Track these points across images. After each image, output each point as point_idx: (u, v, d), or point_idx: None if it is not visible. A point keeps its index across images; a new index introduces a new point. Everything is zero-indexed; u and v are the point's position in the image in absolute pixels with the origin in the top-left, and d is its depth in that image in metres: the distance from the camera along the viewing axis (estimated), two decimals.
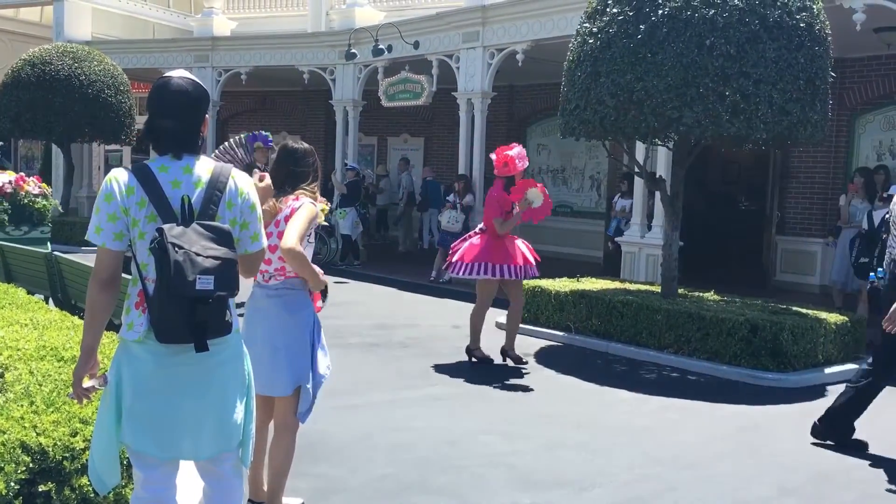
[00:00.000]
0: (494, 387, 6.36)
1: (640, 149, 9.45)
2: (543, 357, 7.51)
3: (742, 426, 5.56)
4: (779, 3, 6.82)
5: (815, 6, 7.08)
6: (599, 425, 5.43)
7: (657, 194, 9.01)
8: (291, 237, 3.42)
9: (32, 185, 10.44)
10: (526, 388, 6.37)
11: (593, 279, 9.27)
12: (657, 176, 8.74)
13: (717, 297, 8.16)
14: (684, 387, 6.61)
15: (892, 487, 4.50)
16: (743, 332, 6.90)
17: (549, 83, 14.10)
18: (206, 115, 2.84)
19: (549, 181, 16.17)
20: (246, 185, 2.79)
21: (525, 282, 8.89)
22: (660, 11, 6.89)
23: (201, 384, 2.67)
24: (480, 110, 12.54)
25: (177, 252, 2.49)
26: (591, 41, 7.36)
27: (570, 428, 5.34)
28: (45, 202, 10.49)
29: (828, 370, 6.96)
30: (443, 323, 8.91)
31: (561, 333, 8.19)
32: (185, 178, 2.66)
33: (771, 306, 7.69)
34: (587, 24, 7.55)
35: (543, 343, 8.07)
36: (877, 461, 4.92)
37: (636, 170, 8.57)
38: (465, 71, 12.65)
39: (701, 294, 8.29)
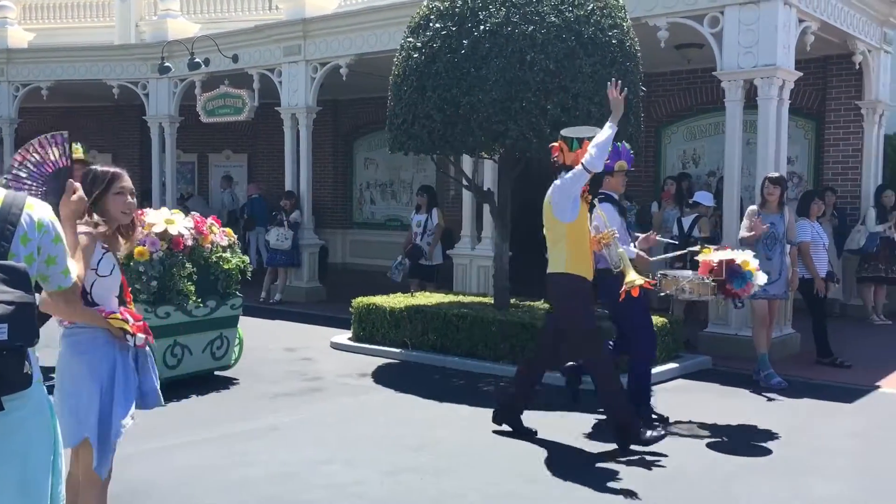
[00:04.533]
0: (333, 412, 6.15)
1: (467, 162, 9.56)
2: (381, 376, 7.37)
3: (583, 432, 5.66)
4: (592, 21, 7.08)
5: (624, 24, 7.42)
6: (442, 445, 5.35)
7: (486, 206, 9.15)
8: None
9: (218, 234, 7.02)
10: (365, 411, 6.21)
11: (427, 293, 9.25)
12: (485, 189, 8.86)
13: (547, 306, 8.36)
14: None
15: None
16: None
17: (375, 97, 14.04)
18: None
19: (378, 195, 16.13)
20: (45, 215, 2.47)
21: (359, 299, 8.76)
22: (482, 27, 6.98)
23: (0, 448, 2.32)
24: (305, 125, 12.27)
25: None
26: (415, 56, 7.34)
27: (413, 450, 5.23)
28: (238, 259, 7.16)
29: (652, 371, 7.25)
30: (275, 346, 8.57)
31: (398, 350, 8.10)
32: None
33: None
34: (411, 39, 7.53)
35: (380, 361, 7.93)
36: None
37: (465, 183, 8.65)
38: (288, 85, 12.34)
39: (532, 303, 8.47)
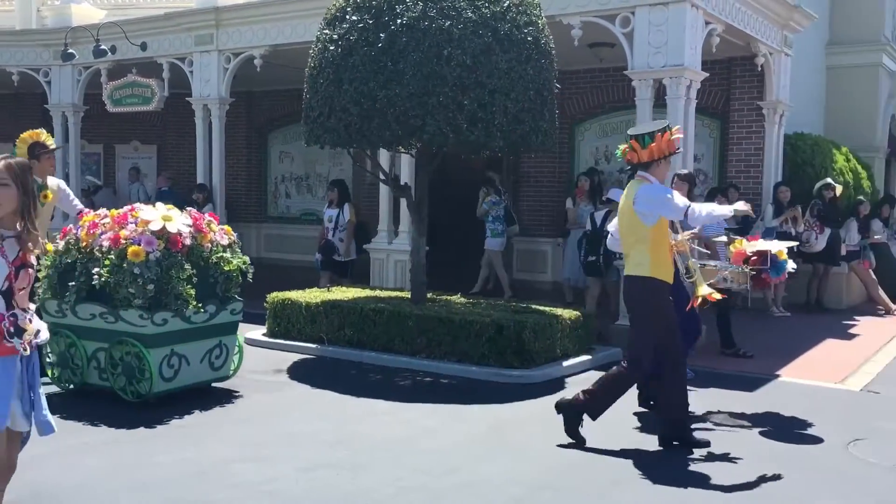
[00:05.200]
0: (247, 408, 6.04)
1: (384, 156, 9.52)
2: (297, 372, 7.28)
3: (495, 425, 5.73)
4: (508, 17, 7.15)
5: (539, 21, 7.52)
6: (358, 440, 5.32)
7: (402, 200, 9.14)
8: None
9: (218, 232, 6.41)
10: (280, 407, 6.12)
11: (344, 288, 9.18)
12: (403, 183, 8.85)
13: (463, 300, 8.42)
14: (438, 391, 6.72)
15: (639, 473, 4.85)
16: (490, 332, 7.16)
17: (291, 89, 13.83)
18: None
19: (293, 189, 15.91)
20: None
21: (274, 294, 8.63)
22: (398, 21, 6.95)
23: None
24: (218, 116, 11.99)
25: None
26: (332, 48, 7.26)
27: (329, 446, 5.18)
28: (239, 259, 6.48)
29: (566, 363, 7.41)
30: None
31: (314, 346, 8.01)
32: None
33: (513, 306, 8.06)
34: (327, 31, 7.45)
35: (296, 357, 7.83)
36: (617, 451, 5.29)
37: (382, 177, 8.62)
38: (200, 75, 12.02)
39: (449, 297, 8.51)
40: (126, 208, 6.21)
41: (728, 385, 7.00)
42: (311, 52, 7.72)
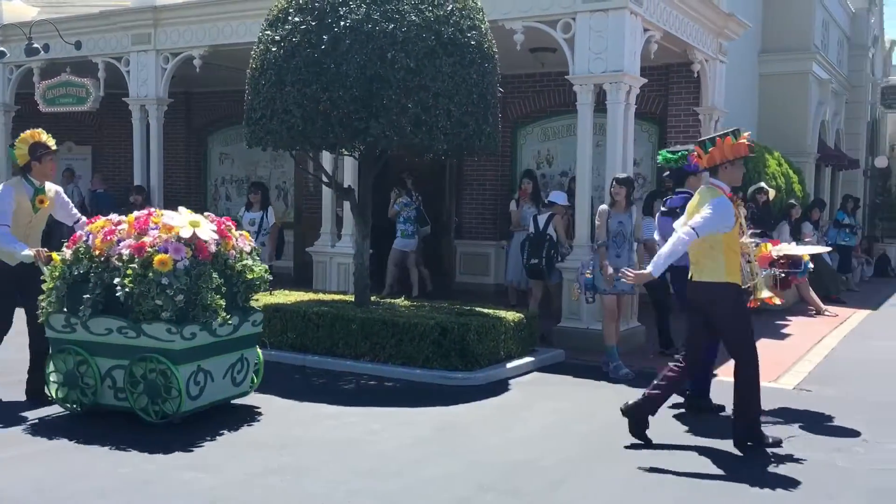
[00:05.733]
0: (182, 416, 5.93)
1: (327, 158, 9.47)
2: None
3: (439, 427, 5.75)
4: (452, 21, 7.19)
5: (482, 25, 7.58)
6: (303, 445, 5.28)
7: (346, 203, 9.10)
8: None
9: (239, 237, 6.00)
10: (224, 413, 6.03)
11: (286, 291, 9.09)
12: (346, 186, 8.81)
13: (407, 303, 8.42)
14: (383, 394, 6.70)
15: (584, 472, 4.91)
16: (434, 335, 7.18)
17: (232, 90, 13.67)
18: None
19: (234, 191, 15.70)
20: None
21: None
22: (342, 23, 6.93)
23: None
24: (156, 117, 11.77)
25: None
26: (274, 49, 7.20)
27: (273, 451, 5.13)
28: (261, 267, 6.04)
29: (509, 365, 7.47)
30: None
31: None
32: None
33: (457, 308, 8.09)
34: (269, 32, 7.38)
35: None
36: (561, 450, 5.35)
37: (325, 180, 8.57)
38: (137, 75, 11.79)
39: (392, 300, 8.50)
40: (142, 212, 5.78)
41: None
42: (252, 53, 7.63)
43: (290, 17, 7.19)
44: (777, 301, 5.56)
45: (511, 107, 12.81)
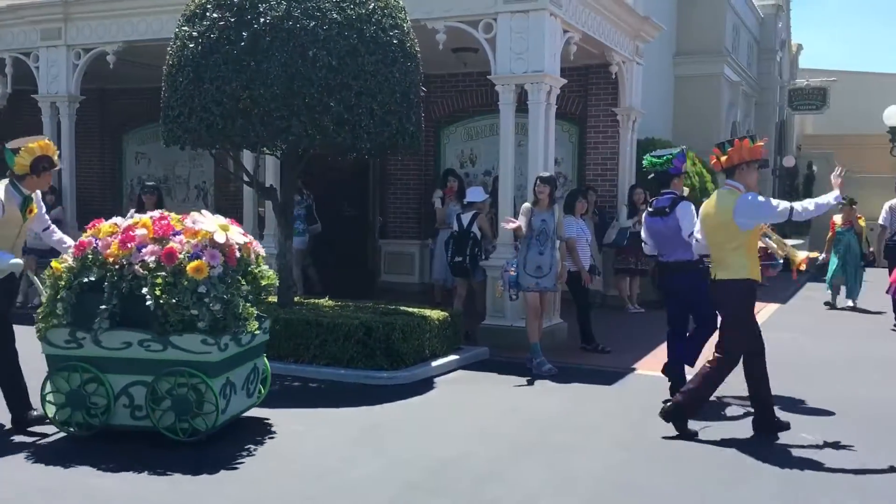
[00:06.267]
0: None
1: (248, 157, 9.32)
2: None
3: (366, 427, 5.73)
4: (374, 20, 7.17)
5: (405, 25, 7.58)
6: (226, 448, 5.18)
7: (268, 203, 8.97)
8: None
9: (254, 242, 5.68)
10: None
11: None
12: (268, 185, 8.69)
13: (331, 303, 8.36)
14: (308, 395, 6.64)
15: (511, 468, 4.97)
16: (359, 334, 7.15)
17: (148, 87, 13.29)
18: None
19: None
20: None
21: None
22: (262, 20, 6.83)
23: None
24: (68, 115, 11.38)
25: None
26: (191, 46, 7.04)
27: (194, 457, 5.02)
28: (269, 273, 5.73)
29: (434, 363, 7.50)
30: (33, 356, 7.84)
31: None
32: None
33: (381, 308, 8.08)
34: (186, 28, 7.21)
35: None
36: (490, 449, 5.40)
37: (246, 179, 8.43)
38: (47, 71, 11.37)
39: (316, 301, 8.43)
40: (155, 214, 5.41)
41: (588, 379, 7.29)
42: (169, 49, 7.45)
43: (208, 13, 7.05)
44: (815, 255, 6.00)
45: (434, 106, 12.85)
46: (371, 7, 7.17)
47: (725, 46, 16.57)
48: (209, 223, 5.28)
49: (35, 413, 5.54)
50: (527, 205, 7.81)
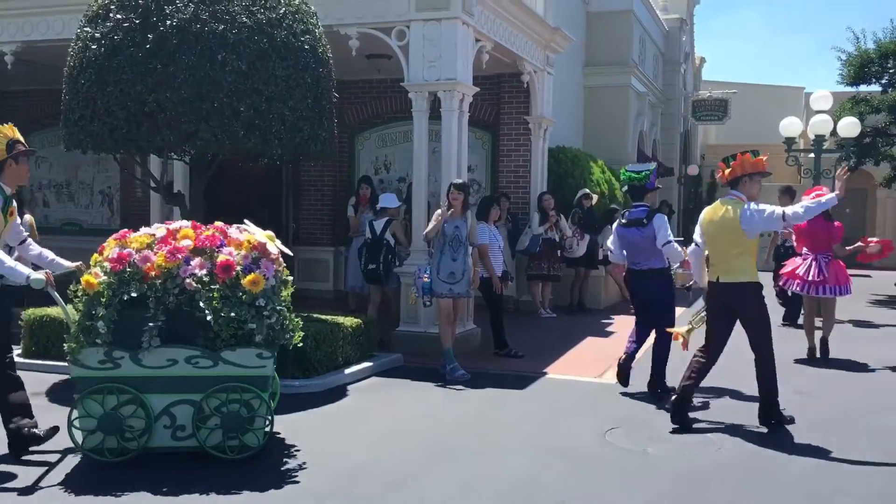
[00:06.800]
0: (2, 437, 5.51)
1: (155, 162, 9.08)
2: (59, 394, 6.75)
3: (278, 436, 5.65)
4: (284, 25, 7.09)
5: (316, 30, 7.53)
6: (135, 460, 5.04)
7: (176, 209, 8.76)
8: None
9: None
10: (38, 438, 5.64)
11: None
12: (176, 191, 8.48)
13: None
14: None
15: (420, 475, 4.98)
16: None
17: (49, 90, 12.81)
18: None
19: (52, 197, 14.74)
20: None
21: (31, 311, 7.96)
22: (168, 22, 6.67)
23: None
24: None
25: None
26: (94, 47, 6.82)
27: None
28: (289, 280, 5.39)
29: (347, 371, 7.46)
30: None
31: None
32: None
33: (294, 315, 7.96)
34: (88, 29, 6.99)
35: (56, 378, 7.25)
36: (400, 457, 5.40)
37: (152, 185, 8.21)
38: None
39: None
40: (180, 224, 5.21)
41: (501, 384, 7.38)
42: (70, 50, 7.20)
43: (111, 14, 6.85)
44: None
45: (348, 112, 12.81)
46: (282, 12, 7.10)
47: (633, 58, 17.08)
48: (259, 234, 5.17)
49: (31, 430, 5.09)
50: (440, 211, 7.86)
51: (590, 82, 16.85)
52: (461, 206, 7.81)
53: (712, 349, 6.07)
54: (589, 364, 8.41)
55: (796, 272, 8.76)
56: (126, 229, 5.34)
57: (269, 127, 6.88)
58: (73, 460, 5.05)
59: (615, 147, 16.60)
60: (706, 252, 6.26)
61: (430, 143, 9.30)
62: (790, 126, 13.81)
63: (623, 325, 11.18)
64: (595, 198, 12.33)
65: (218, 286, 4.87)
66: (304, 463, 5.07)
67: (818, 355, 8.86)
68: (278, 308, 4.99)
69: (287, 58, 7.00)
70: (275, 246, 5.19)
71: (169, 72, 6.58)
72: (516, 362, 8.36)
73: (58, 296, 5.06)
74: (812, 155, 13.30)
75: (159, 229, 5.20)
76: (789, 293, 10.23)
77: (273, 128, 6.90)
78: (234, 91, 6.69)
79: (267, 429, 5.09)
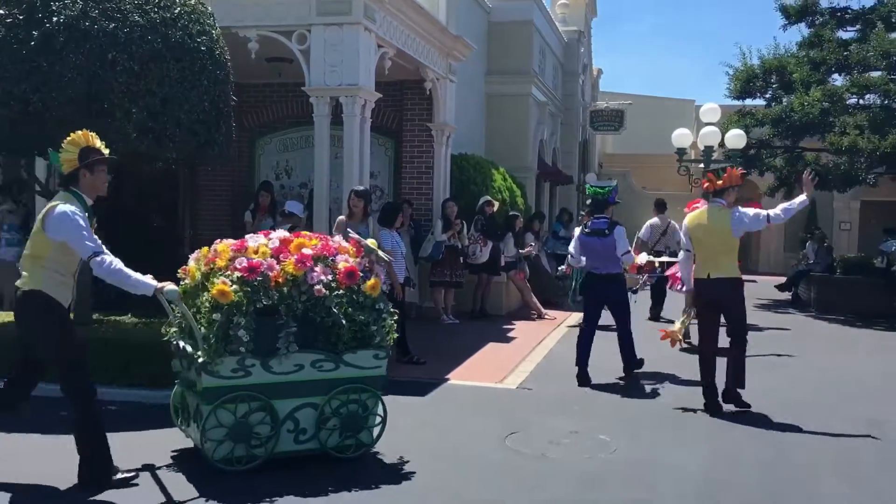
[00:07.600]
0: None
1: (41, 164, 8.67)
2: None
3: (169, 451, 5.47)
4: (180, 25, 6.90)
5: (213, 31, 7.36)
6: (23, 480, 4.76)
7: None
8: None
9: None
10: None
11: (3, 312, 8.19)
12: None
13: (134, 320, 7.92)
14: (108, 420, 6.21)
15: (333, 483, 4.91)
16: (165, 353, 6.79)
17: None
18: None
19: None
20: None
21: None
22: (55, 19, 6.38)
23: None
24: None
25: None
26: None
27: None
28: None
29: None
30: None
31: None
32: None
33: None
34: None
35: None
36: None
37: (38, 188, 7.84)
38: None
39: (117, 318, 7.95)
40: (278, 232, 5.37)
41: (402, 391, 7.34)
42: None
43: None
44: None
45: (248, 116, 12.56)
46: (177, 12, 6.90)
47: (533, 68, 17.40)
48: (368, 242, 5.54)
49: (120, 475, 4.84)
50: (341, 218, 7.81)
51: (492, 90, 17.06)
52: (361, 212, 7.77)
53: (710, 344, 6.87)
54: (489, 369, 8.50)
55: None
56: (241, 239, 5.39)
57: (163, 130, 6.67)
58: (154, 482, 4.87)
59: (517, 155, 16.85)
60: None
61: (333, 148, 9.22)
62: (681, 137, 14.35)
63: (524, 331, 11.36)
64: (496, 205, 12.48)
65: (342, 291, 5.04)
66: None
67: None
68: (390, 311, 5.32)
69: (182, 59, 6.81)
70: (381, 253, 5.60)
71: (56, 70, 6.30)
72: (418, 369, 8.36)
73: (186, 308, 4.93)
74: (702, 165, 13.85)
75: (271, 239, 5.28)
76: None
77: (168, 131, 6.70)
78: (126, 92, 6.46)
79: (381, 426, 5.37)
